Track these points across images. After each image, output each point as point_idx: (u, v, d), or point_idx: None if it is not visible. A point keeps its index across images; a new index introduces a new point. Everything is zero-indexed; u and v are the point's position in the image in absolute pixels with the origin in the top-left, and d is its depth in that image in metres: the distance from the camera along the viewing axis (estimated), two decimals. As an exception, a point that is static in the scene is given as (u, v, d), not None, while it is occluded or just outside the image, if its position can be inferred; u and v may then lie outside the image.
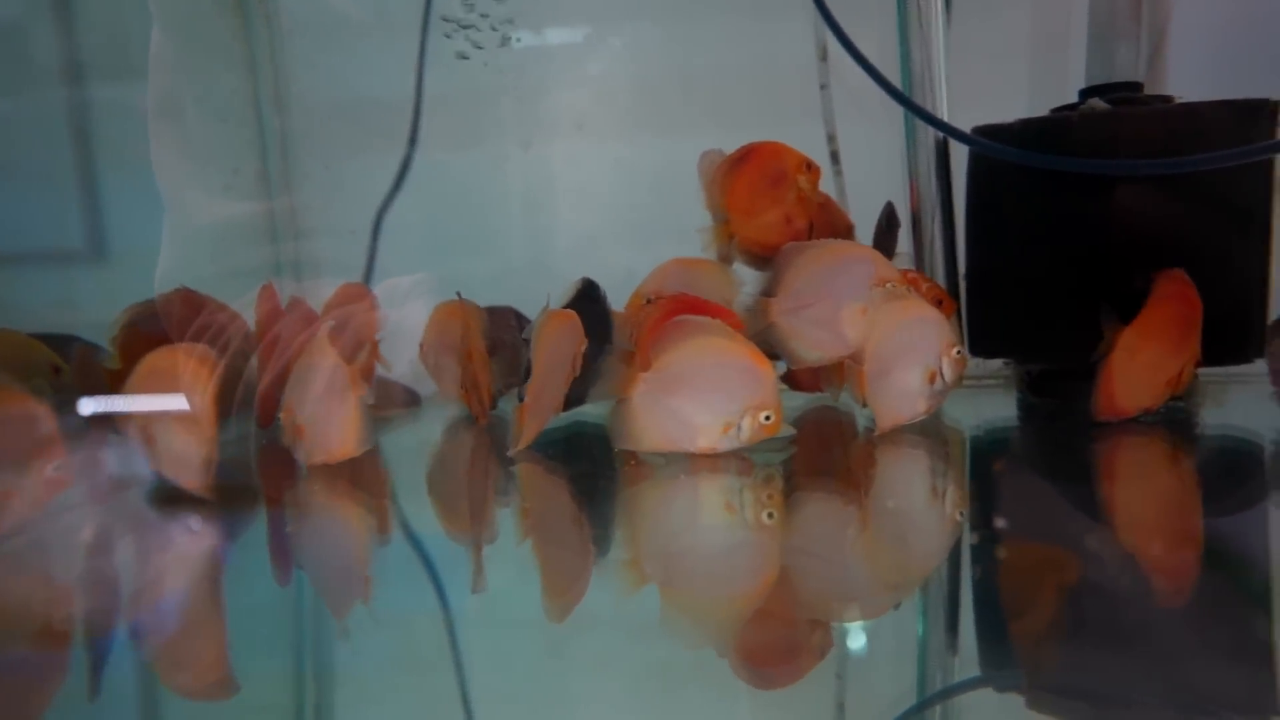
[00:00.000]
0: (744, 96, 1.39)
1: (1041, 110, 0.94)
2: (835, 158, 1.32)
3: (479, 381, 0.94)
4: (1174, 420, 0.87)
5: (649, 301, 0.86)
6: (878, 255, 0.82)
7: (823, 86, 1.30)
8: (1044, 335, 0.92)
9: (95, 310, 1.10)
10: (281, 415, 0.80)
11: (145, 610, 0.56)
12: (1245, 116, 0.84)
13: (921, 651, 0.48)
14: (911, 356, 0.78)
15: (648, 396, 0.73)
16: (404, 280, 1.17)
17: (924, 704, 0.43)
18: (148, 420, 0.68)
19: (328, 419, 0.78)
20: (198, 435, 0.67)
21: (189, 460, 0.67)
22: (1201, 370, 0.92)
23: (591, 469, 0.79)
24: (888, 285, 0.78)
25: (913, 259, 1.08)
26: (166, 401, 0.73)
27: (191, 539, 0.67)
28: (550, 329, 0.78)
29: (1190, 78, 1.15)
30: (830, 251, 0.82)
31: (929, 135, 1.08)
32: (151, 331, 0.82)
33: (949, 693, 0.45)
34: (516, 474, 0.79)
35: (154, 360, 0.69)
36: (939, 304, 0.88)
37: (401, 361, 1.09)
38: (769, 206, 0.86)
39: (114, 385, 0.72)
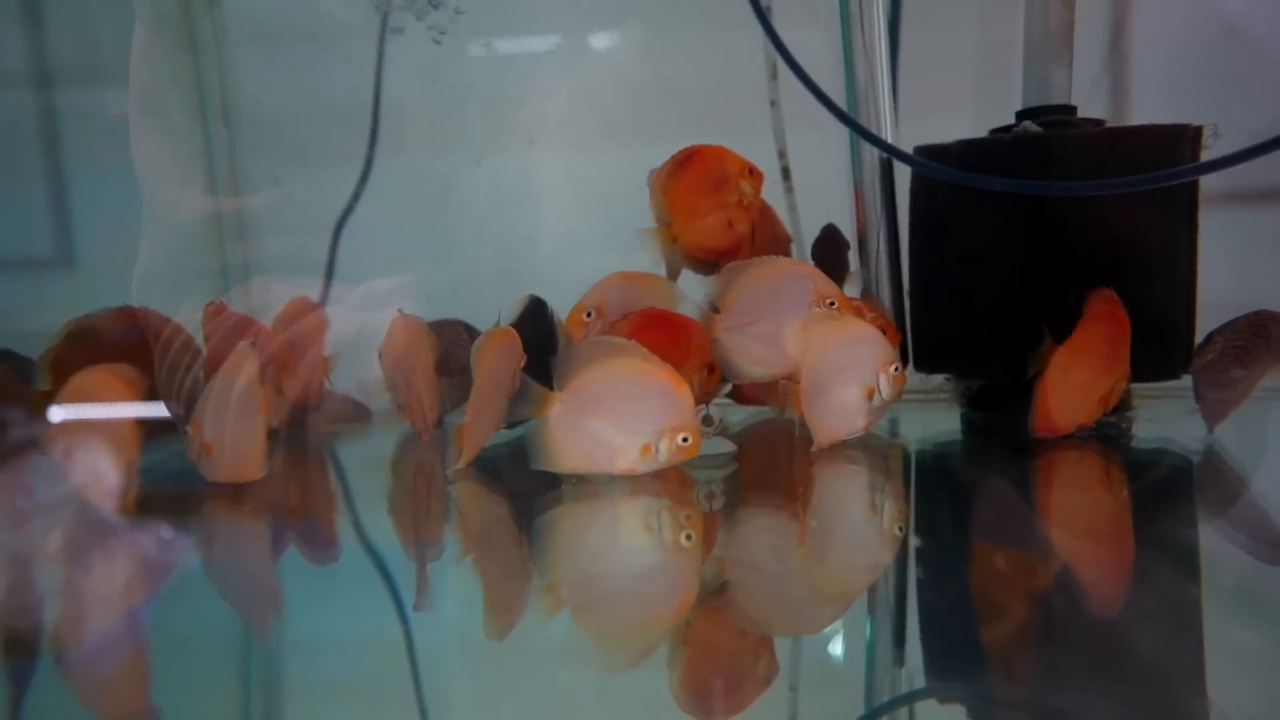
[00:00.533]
0: (698, 110, 1.42)
1: (989, 128, 0.97)
2: (786, 173, 1.34)
3: (421, 397, 0.94)
4: (1107, 436, 0.89)
5: (589, 316, 0.87)
6: (816, 272, 0.83)
7: (773, 103, 1.32)
8: (982, 352, 0.94)
9: (63, 317, 1.07)
10: (190, 430, 0.79)
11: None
12: (1169, 140, 0.87)
13: (868, 668, 0.49)
14: (849, 374, 0.80)
15: (564, 417, 0.73)
16: (383, 283, 1.16)
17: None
18: (69, 440, 0.67)
19: (236, 439, 0.77)
20: (117, 455, 0.66)
21: (106, 480, 0.66)
22: (1134, 385, 0.96)
23: (532, 487, 0.79)
24: (827, 302, 0.80)
25: (861, 277, 1.10)
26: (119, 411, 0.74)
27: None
28: (489, 347, 0.78)
29: (1154, 100, 1.20)
30: (772, 269, 0.84)
31: (873, 153, 1.09)
32: (86, 349, 0.80)
33: (895, 704, 0.46)
34: (454, 493, 0.79)
35: (79, 381, 0.67)
36: (883, 333, 0.90)
37: (373, 368, 1.08)
38: (711, 210, 0.87)
39: (41, 406, 0.71)
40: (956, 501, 0.79)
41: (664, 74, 1.42)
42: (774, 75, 1.30)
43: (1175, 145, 0.87)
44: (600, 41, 1.42)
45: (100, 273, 1.33)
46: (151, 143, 1.23)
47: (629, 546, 0.64)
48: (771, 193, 1.34)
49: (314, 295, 1.23)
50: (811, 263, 1.08)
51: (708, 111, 1.41)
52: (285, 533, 0.74)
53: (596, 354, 0.73)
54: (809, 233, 1.31)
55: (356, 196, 1.38)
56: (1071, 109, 0.96)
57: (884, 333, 0.89)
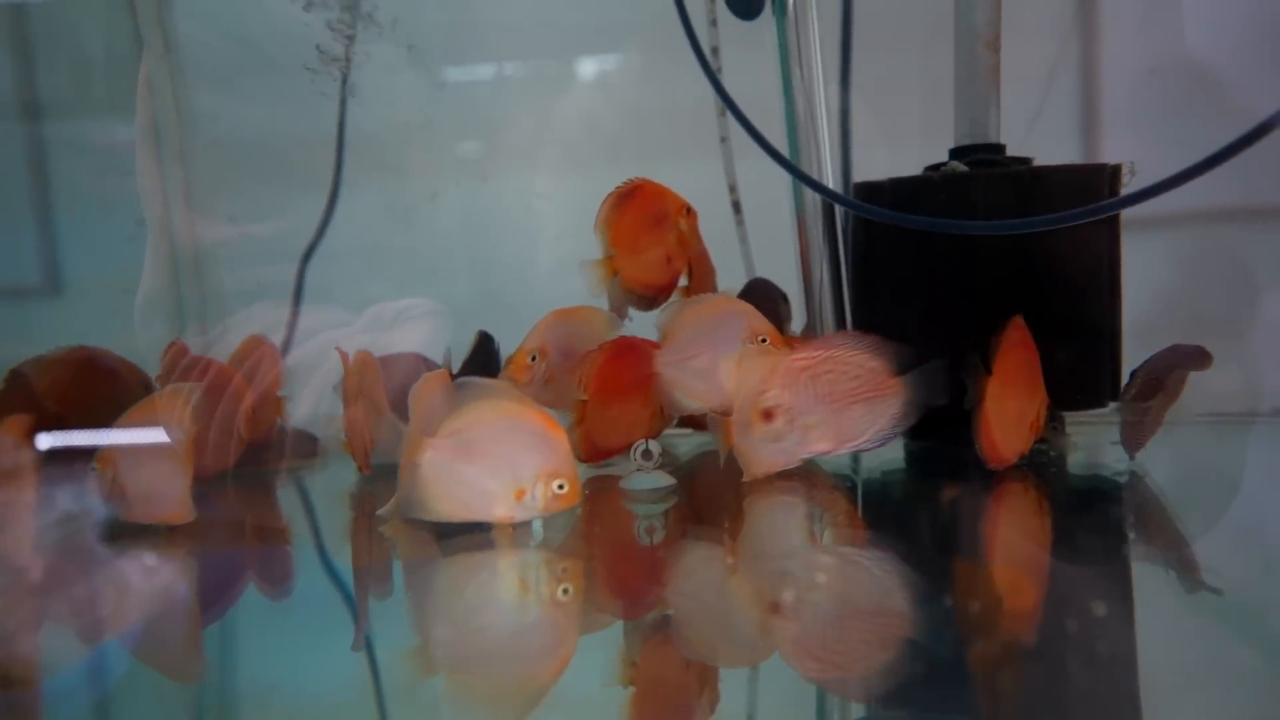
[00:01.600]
0: (654, 141, 1.45)
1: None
2: (737, 207, 1.38)
3: (360, 430, 0.94)
4: (1040, 464, 0.92)
5: (533, 359, 0.89)
6: (752, 309, 0.86)
7: (723, 139, 1.35)
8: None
9: (51, 345, 1.08)
10: (97, 465, 0.78)
11: None
12: (1087, 178, 0.91)
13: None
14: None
15: (437, 462, 0.70)
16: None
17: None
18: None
19: (153, 480, 0.77)
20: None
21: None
22: (1066, 413, 0.99)
23: (462, 528, 0.79)
24: (759, 339, 0.83)
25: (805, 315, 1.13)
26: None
27: None
28: (424, 389, 0.80)
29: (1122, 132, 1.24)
30: (710, 306, 0.87)
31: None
32: (22, 396, 0.81)
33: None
34: (385, 533, 0.79)
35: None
36: None
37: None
38: (651, 245, 0.90)
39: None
40: (894, 527, 0.81)
41: (621, 104, 1.46)
42: (723, 113, 1.33)
43: (1093, 182, 0.91)
44: (558, 72, 1.46)
45: (87, 301, 1.33)
46: (155, 171, 1.24)
47: (505, 602, 0.63)
48: (723, 227, 1.39)
49: (315, 319, 1.25)
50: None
51: (664, 142, 1.45)
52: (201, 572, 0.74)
53: (469, 396, 0.71)
54: (761, 266, 1.35)
55: (323, 227, 1.40)
56: (1000, 147, 1.00)
57: None
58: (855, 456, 0.99)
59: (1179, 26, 1.20)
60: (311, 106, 1.29)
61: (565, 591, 0.64)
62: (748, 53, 1.23)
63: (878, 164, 1.07)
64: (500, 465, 0.69)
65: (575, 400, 0.91)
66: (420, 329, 1.13)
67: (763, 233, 1.35)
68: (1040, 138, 1.22)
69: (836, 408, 0.81)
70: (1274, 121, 0.71)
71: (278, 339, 1.22)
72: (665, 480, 0.84)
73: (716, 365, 0.84)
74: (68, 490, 0.80)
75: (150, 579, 0.73)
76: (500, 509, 0.70)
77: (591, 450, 0.90)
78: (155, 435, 0.80)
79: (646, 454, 0.84)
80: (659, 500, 0.83)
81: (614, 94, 1.47)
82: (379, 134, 1.30)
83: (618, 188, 0.91)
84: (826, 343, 0.83)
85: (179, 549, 0.78)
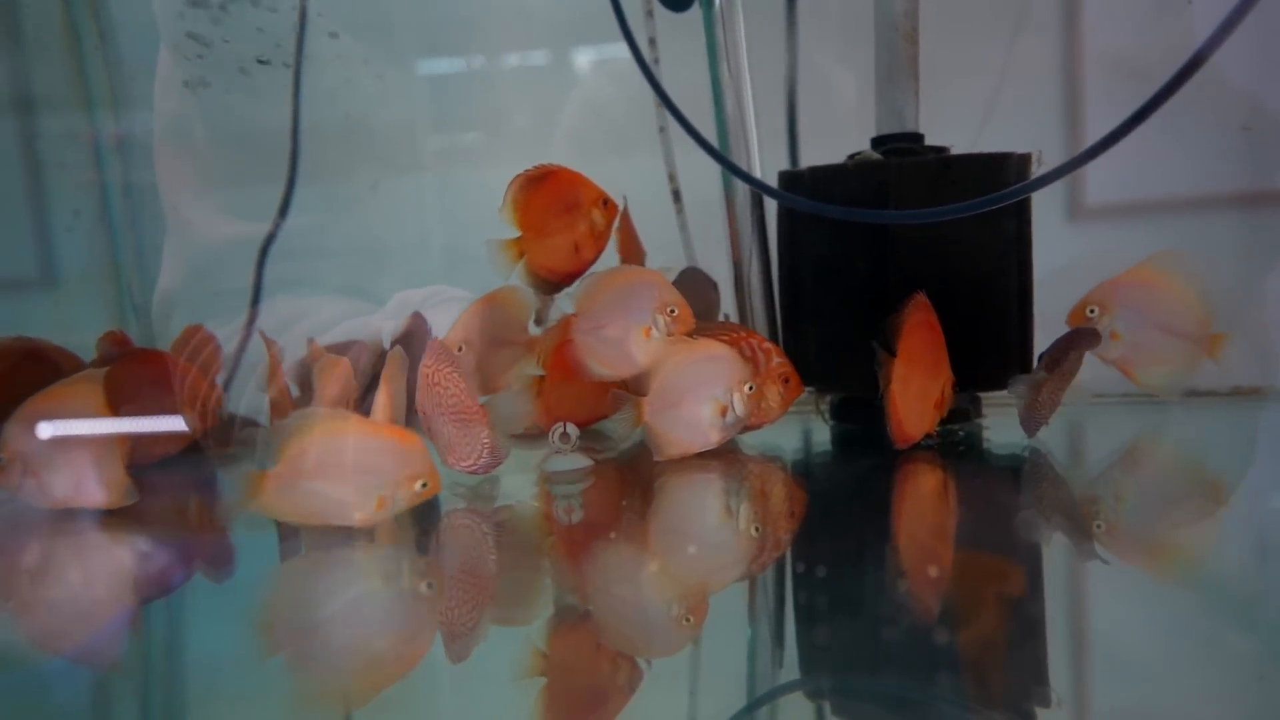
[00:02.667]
0: (593, 131, 1.47)
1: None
2: (677, 196, 1.40)
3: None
4: (952, 443, 0.95)
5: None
6: (664, 280, 0.89)
7: (661, 129, 1.37)
8: (836, 366, 1.00)
9: (47, 337, 1.08)
10: (4, 455, 0.78)
11: None
12: (995, 167, 0.94)
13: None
14: (701, 390, 0.85)
15: (279, 491, 0.70)
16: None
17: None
18: None
19: (79, 463, 0.78)
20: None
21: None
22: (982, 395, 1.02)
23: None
24: (669, 309, 0.86)
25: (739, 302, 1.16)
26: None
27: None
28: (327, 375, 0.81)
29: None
30: (623, 275, 0.90)
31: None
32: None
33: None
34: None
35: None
36: (786, 381, 0.94)
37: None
38: (559, 231, 0.91)
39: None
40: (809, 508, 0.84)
41: (568, 94, 1.48)
42: (660, 104, 1.35)
43: (1001, 171, 0.94)
44: (506, 64, 1.47)
45: (81, 293, 1.34)
46: (175, 165, 1.24)
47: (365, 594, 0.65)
48: (663, 215, 1.41)
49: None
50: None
51: (605, 132, 1.47)
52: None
53: (308, 424, 0.71)
54: (700, 253, 1.37)
55: (280, 220, 1.41)
56: (918, 137, 1.03)
57: (787, 380, 0.94)
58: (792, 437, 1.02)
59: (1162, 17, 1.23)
60: (261, 98, 1.30)
61: (429, 586, 0.66)
62: (692, 43, 1.25)
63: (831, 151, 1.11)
64: (353, 482, 0.71)
65: (532, 376, 0.93)
66: (446, 315, 1.13)
67: (704, 221, 1.38)
68: (1025, 129, 1.25)
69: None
70: (1156, 102, 0.74)
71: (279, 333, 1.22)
72: (583, 461, 0.86)
73: (628, 334, 0.86)
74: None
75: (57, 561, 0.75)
76: (360, 515, 0.71)
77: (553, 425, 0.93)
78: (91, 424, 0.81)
79: (565, 436, 0.87)
80: (577, 481, 0.85)
81: (563, 85, 1.48)
82: (319, 126, 1.31)
83: (528, 170, 0.92)
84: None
85: (109, 532, 0.80)
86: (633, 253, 1.10)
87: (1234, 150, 1.20)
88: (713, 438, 0.86)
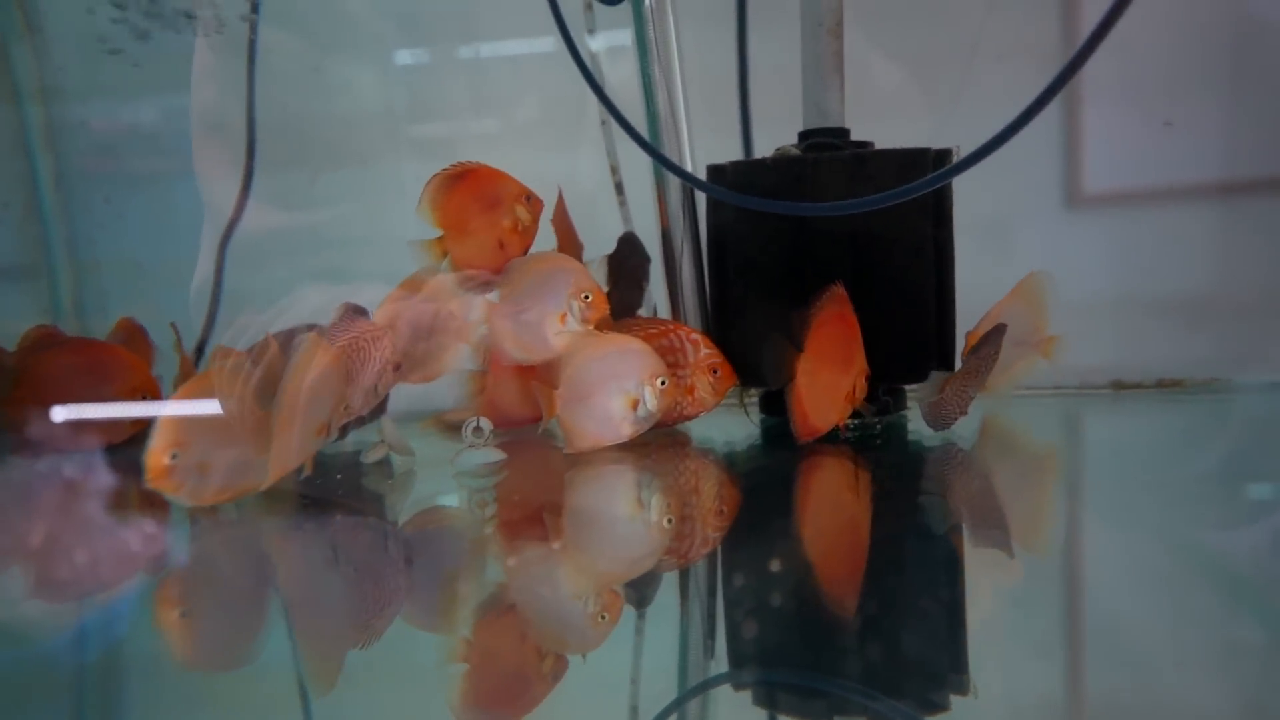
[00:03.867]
0: (529, 124, 1.47)
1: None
2: (620, 189, 1.40)
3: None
4: (868, 435, 0.96)
5: None
6: (580, 268, 0.90)
7: (603, 122, 1.37)
8: (758, 360, 1.00)
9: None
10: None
11: None
12: (910, 162, 0.94)
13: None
14: (612, 384, 0.86)
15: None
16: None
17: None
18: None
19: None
20: None
21: None
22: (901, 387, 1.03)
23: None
24: (583, 295, 0.86)
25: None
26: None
27: None
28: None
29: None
30: (543, 261, 0.92)
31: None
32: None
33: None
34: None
35: None
36: (714, 372, 0.95)
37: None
38: (482, 229, 0.92)
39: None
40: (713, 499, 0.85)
41: (502, 90, 1.48)
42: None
43: (916, 166, 0.94)
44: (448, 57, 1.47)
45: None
46: (213, 157, 1.24)
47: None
48: (606, 206, 1.41)
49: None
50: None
51: (543, 126, 1.47)
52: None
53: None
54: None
55: (240, 211, 1.41)
56: (844, 131, 1.03)
57: (715, 371, 0.94)
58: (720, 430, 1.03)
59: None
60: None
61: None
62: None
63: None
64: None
65: (472, 372, 0.93)
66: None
67: (649, 215, 1.38)
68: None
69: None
70: (1055, 88, 0.74)
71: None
72: (496, 455, 0.87)
73: (544, 320, 0.87)
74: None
75: None
76: None
77: (501, 421, 0.93)
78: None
79: (478, 430, 0.87)
80: (489, 475, 0.86)
81: (508, 77, 1.48)
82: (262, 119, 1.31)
83: (445, 169, 0.92)
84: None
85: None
86: (569, 246, 1.10)
87: (1230, 139, 1.22)
88: (624, 431, 0.87)
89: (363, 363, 0.81)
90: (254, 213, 1.30)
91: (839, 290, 0.86)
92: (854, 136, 1.03)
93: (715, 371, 0.96)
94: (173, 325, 0.98)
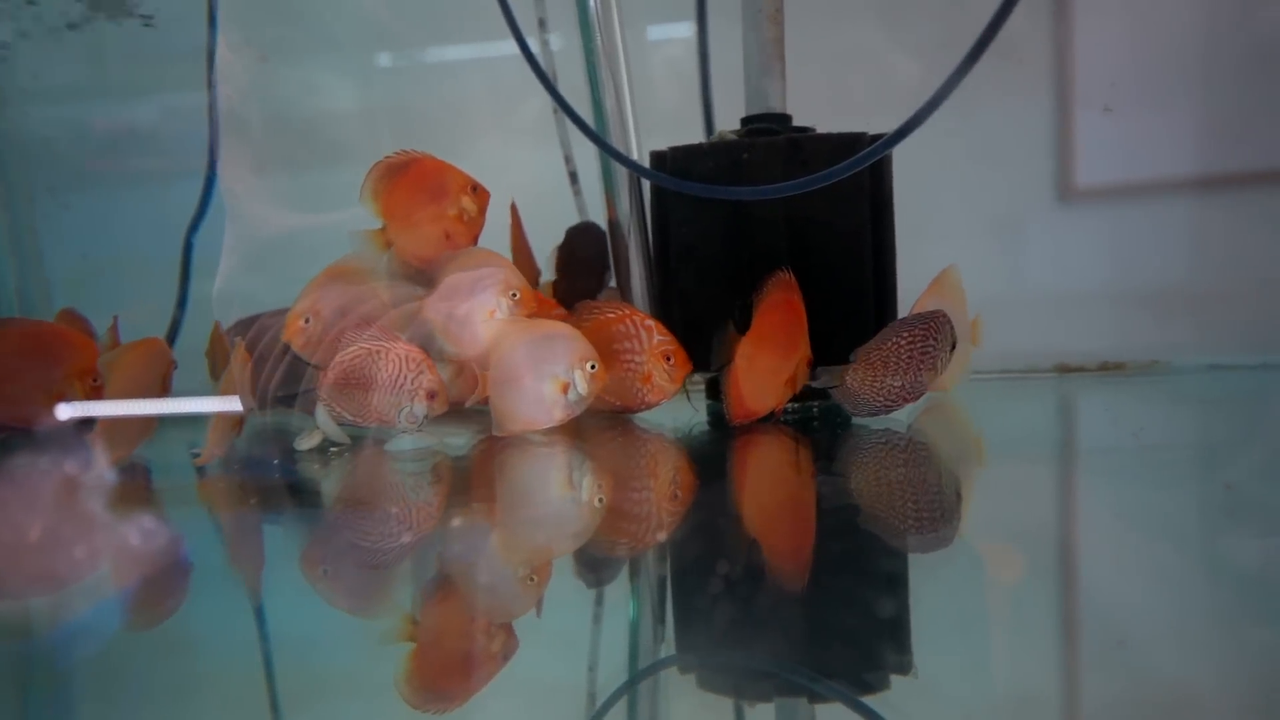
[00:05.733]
0: (487, 119, 1.47)
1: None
2: (574, 178, 1.40)
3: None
4: (806, 419, 0.97)
5: (306, 321, 0.90)
6: (508, 264, 0.90)
7: (555, 112, 1.37)
8: (699, 345, 1.00)
9: None
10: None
11: None
12: (844, 146, 0.94)
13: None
14: (541, 368, 0.86)
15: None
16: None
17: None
18: None
19: None
20: None
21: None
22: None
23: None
24: (510, 293, 0.86)
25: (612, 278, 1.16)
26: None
27: None
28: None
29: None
30: (474, 258, 0.91)
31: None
32: None
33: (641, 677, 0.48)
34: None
35: None
36: (668, 359, 0.93)
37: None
38: (427, 220, 0.91)
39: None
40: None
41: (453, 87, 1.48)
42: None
43: (851, 150, 0.94)
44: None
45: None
46: (237, 159, 1.24)
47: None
48: (560, 195, 1.41)
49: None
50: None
51: (501, 120, 1.48)
52: None
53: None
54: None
55: (203, 207, 1.40)
56: (786, 117, 1.04)
57: (669, 358, 0.93)
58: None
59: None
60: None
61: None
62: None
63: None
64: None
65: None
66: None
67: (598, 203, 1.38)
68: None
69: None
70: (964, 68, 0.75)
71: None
72: (425, 441, 0.87)
73: (473, 315, 0.87)
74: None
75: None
76: None
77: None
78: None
79: (411, 416, 0.87)
80: (422, 459, 0.86)
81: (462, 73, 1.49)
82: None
83: (387, 157, 0.91)
84: None
85: None
86: (526, 268, 1.10)
87: (1220, 131, 1.23)
88: (555, 415, 0.87)
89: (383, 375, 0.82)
90: (273, 214, 1.30)
91: (786, 276, 0.87)
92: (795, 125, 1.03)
93: (669, 359, 0.95)
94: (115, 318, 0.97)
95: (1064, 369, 1.21)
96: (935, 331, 0.86)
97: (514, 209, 1.14)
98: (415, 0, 1.44)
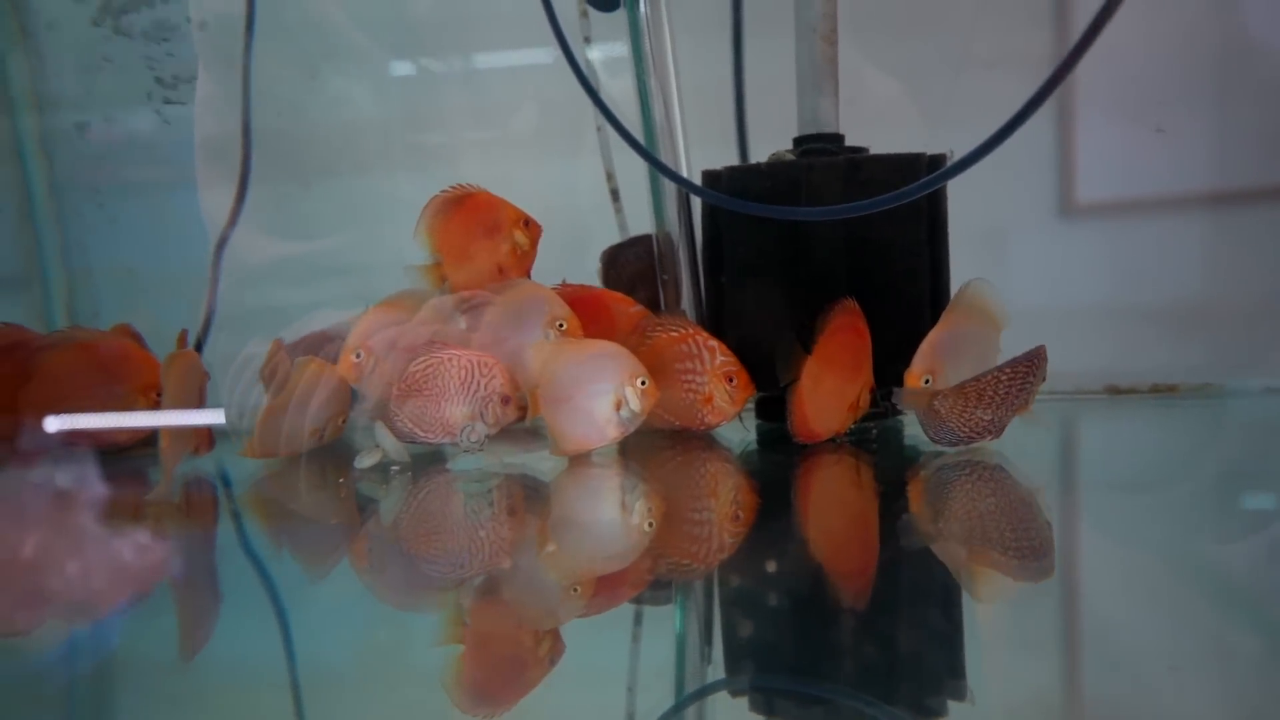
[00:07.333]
0: (533, 132, 1.48)
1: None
2: (615, 195, 1.40)
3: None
4: (863, 440, 0.96)
5: (358, 357, 0.90)
6: (552, 296, 0.90)
7: (599, 128, 1.38)
8: (754, 365, 1.00)
9: None
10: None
11: None
12: (904, 166, 0.94)
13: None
14: (594, 386, 0.86)
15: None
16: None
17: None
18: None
19: None
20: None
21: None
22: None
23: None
24: (557, 324, 0.86)
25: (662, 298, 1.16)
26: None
27: None
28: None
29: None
30: (519, 291, 0.91)
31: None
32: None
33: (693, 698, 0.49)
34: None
35: None
36: (730, 380, 0.93)
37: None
38: (481, 254, 0.92)
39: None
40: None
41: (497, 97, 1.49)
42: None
43: (910, 170, 0.95)
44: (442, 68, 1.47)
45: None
46: (217, 188, 1.25)
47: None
48: (602, 213, 1.42)
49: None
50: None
51: (541, 133, 1.48)
52: None
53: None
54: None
55: (235, 218, 1.41)
56: (839, 137, 1.04)
57: (731, 379, 0.93)
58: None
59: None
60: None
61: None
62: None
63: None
64: None
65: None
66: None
67: (644, 222, 1.38)
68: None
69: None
70: (1043, 95, 0.75)
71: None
72: (487, 460, 0.87)
73: (523, 348, 0.87)
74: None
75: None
76: None
77: None
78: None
79: (473, 434, 0.87)
80: (484, 480, 0.86)
81: (502, 87, 1.49)
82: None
83: (444, 192, 0.93)
84: None
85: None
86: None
87: (1222, 148, 1.22)
88: (610, 433, 0.87)
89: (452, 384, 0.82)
90: (258, 244, 1.31)
91: (851, 303, 0.87)
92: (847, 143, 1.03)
93: (731, 380, 0.95)
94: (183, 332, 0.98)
95: (1114, 390, 1.20)
96: (1035, 369, 0.84)
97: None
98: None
